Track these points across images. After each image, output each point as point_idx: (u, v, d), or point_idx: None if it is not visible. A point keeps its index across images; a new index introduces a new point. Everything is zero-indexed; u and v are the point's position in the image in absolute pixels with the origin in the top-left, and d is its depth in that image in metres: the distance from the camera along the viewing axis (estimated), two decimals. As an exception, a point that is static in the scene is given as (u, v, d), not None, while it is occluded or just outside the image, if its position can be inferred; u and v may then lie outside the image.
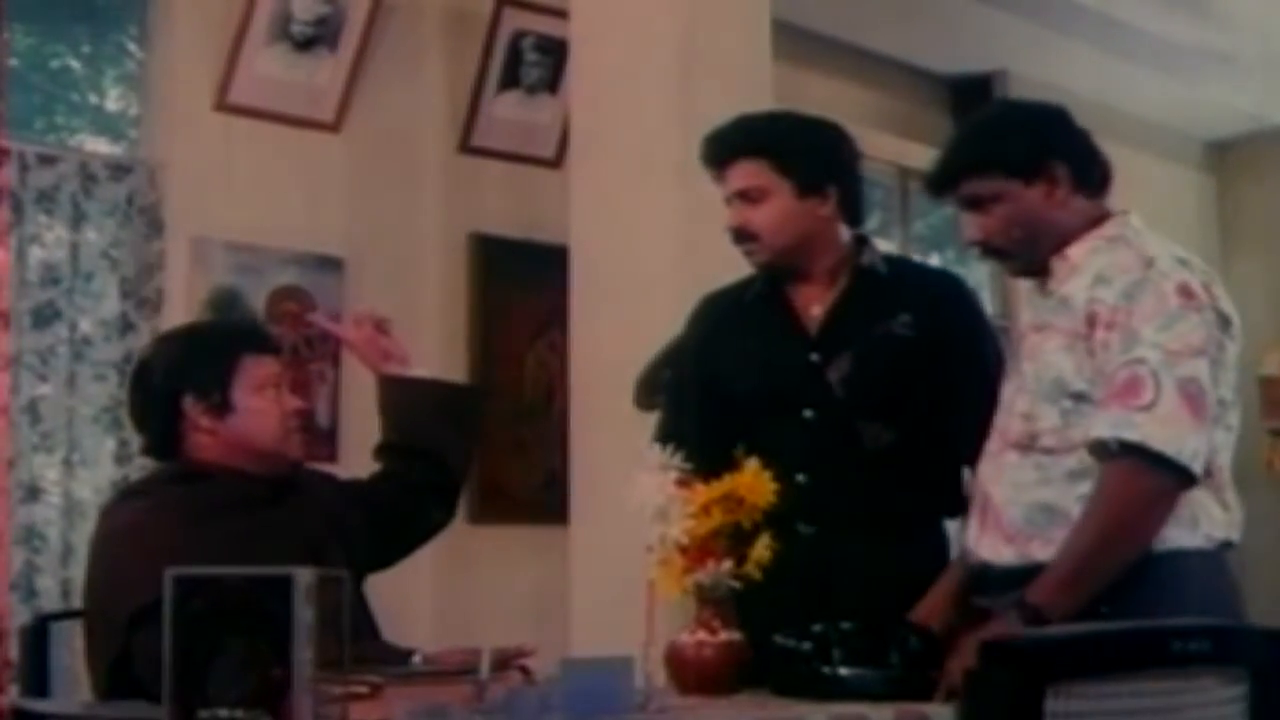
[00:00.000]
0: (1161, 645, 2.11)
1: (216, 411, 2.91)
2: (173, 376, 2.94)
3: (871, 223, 7.00)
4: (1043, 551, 2.59)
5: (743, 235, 3.05)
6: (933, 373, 3.00)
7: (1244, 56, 7.03)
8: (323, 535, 2.91)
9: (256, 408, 2.93)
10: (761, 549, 2.65)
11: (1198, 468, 2.52)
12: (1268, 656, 2.18)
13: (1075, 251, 2.71)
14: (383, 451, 3.20)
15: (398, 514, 3.14)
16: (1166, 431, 2.50)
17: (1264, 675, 2.16)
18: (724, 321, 3.17)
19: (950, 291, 3.13)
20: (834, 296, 3.06)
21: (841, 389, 2.99)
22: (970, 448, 2.84)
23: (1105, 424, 2.55)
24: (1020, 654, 2.05)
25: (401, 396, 3.18)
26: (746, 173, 3.03)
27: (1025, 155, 2.72)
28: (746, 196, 3.03)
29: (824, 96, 6.05)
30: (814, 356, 3.02)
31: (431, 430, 3.17)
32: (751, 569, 2.64)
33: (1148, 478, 2.52)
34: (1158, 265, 2.61)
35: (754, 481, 2.67)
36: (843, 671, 2.55)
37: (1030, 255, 2.76)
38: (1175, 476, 2.52)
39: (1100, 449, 2.55)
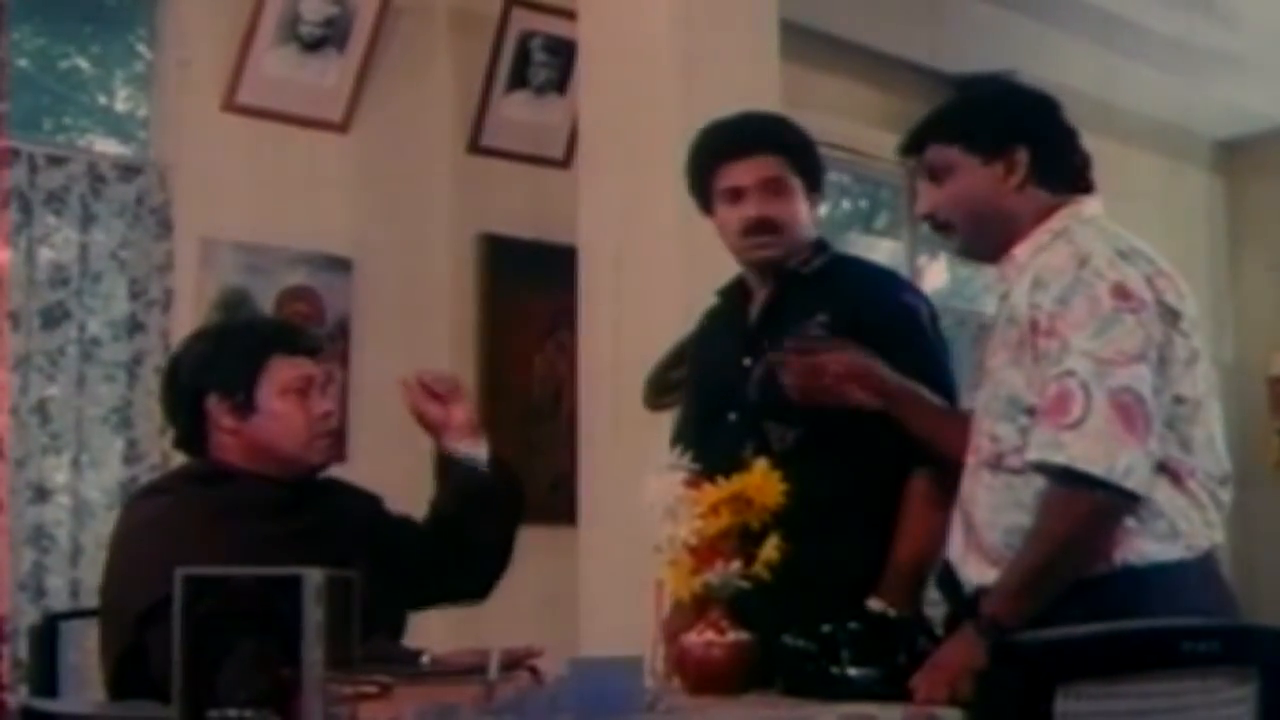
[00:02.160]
0: (1171, 646, 2.11)
1: (239, 412, 2.88)
2: (198, 374, 2.92)
3: (879, 223, 7.02)
4: None
5: None
6: None
7: (1253, 56, 7.02)
8: (346, 549, 2.80)
9: (279, 411, 2.89)
10: (770, 549, 2.65)
11: (1133, 483, 2.42)
12: (1278, 656, 2.18)
13: (1021, 251, 2.65)
14: (428, 514, 3.11)
15: (422, 568, 3.03)
16: (1096, 450, 2.41)
17: (1274, 675, 2.16)
18: (706, 322, 3.30)
19: (877, 291, 3.09)
20: (764, 299, 3.12)
21: (754, 391, 3.03)
22: (896, 448, 2.86)
23: (1035, 446, 2.49)
24: (1030, 654, 2.06)
25: (445, 476, 3.08)
26: None
27: (988, 134, 2.68)
28: None
29: (831, 97, 6.05)
30: (746, 360, 3.07)
31: (467, 518, 3.06)
32: (760, 569, 2.65)
33: (1081, 499, 2.44)
34: (1091, 264, 2.51)
35: (762, 482, 2.67)
36: (851, 672, 2.55)
37: (975, 237, 2.72)
38: (1110, 495, 2.43)
39: (1039, 468, 2.50)
